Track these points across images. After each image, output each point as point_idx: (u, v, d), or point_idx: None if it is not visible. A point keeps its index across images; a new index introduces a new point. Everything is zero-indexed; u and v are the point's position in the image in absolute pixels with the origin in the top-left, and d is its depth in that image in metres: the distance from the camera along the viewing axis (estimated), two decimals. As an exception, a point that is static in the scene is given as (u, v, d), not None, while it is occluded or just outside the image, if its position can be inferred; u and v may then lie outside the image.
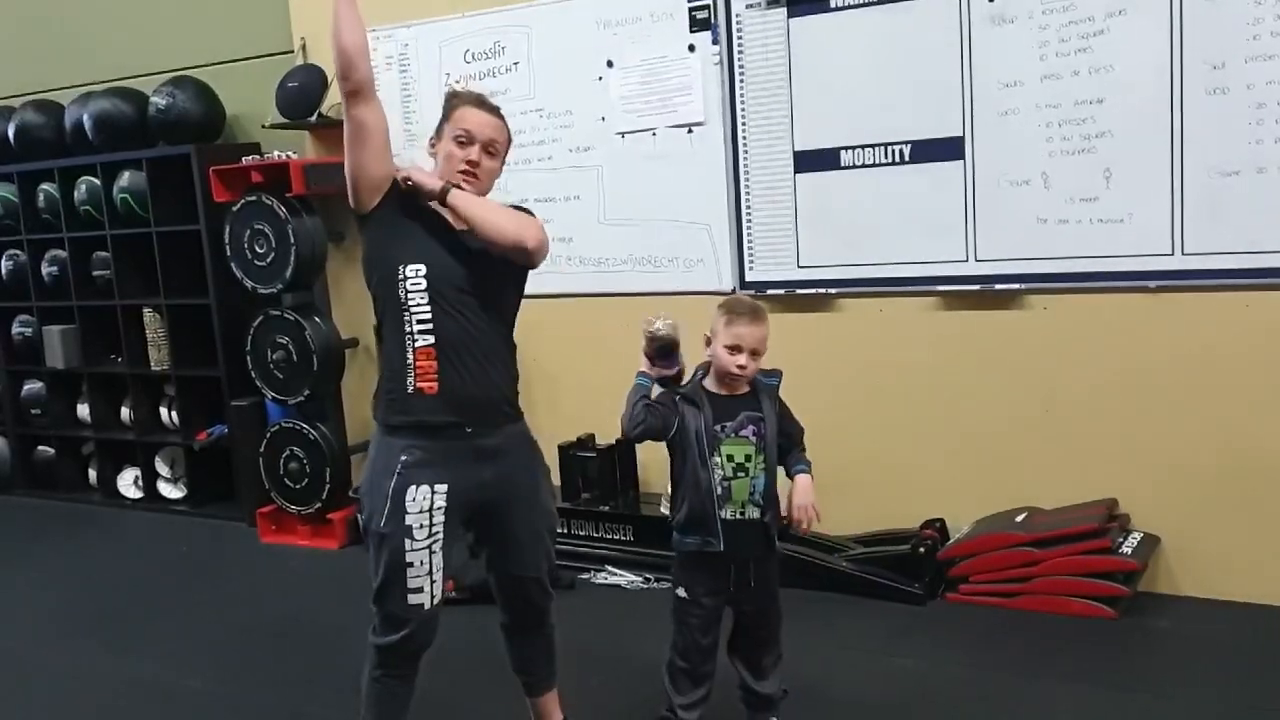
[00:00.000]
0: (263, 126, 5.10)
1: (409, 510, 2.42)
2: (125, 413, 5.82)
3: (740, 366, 2.63)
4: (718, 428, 2.63)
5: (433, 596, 2.47)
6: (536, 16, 4.47)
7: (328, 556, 4.86)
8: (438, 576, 2.47)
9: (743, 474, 2.63)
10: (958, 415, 3.92)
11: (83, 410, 5.96)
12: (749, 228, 4.20)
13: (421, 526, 2.43)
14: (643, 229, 4.40)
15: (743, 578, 2.68)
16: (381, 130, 2.49)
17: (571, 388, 4.52)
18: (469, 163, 2.50)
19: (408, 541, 2.42)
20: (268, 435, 5.03)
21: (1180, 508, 3.62)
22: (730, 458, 2.63)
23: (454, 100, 2.60)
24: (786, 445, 2.72)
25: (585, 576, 4.19)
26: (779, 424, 2.69)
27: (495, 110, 2.60)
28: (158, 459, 5.75)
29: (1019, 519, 3.72)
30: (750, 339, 2.63)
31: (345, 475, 4.98)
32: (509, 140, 2.63)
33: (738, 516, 2.64)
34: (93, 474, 6.01)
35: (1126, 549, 3.54)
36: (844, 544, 3.99)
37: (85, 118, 5.47)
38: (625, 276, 4.46)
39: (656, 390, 2.69)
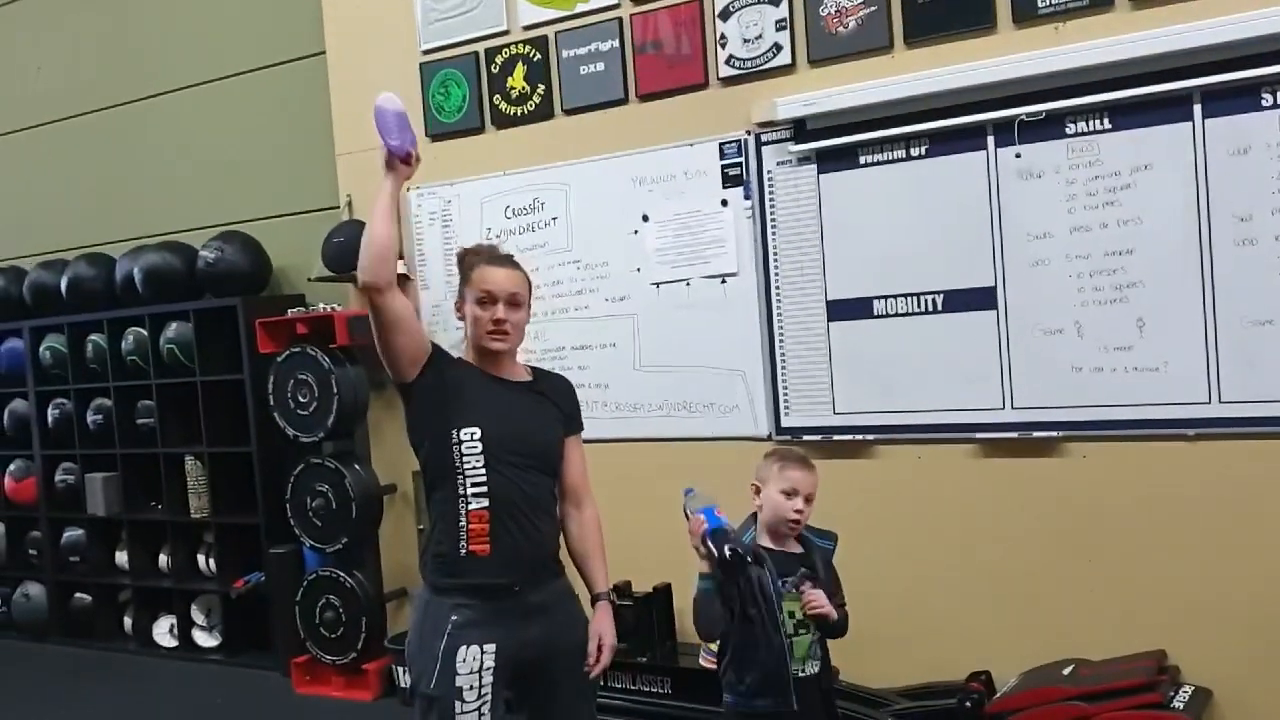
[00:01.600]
0: (308, 279, 5.24)
1: (459, 671, 2.42)
2: (163, 560, 5.85)
3: (797, 511, 2.61)
4: (780, 583, 2.58)
5: None
6: (575, 175, 4.62)
7: (361, 710, 4.79)
8: None
9: (804, 630, 2.60)
10: (1000, 564, 3.88)
11: (121, 557, 5.99)
12: (784, 374, 4.24)
13: (472, 688, 2.42)
14: (678, 375, 4.45)
15: None
16: (411, 312, 2.54)
17: (607, 533, 4.47)
18: (496, 322, 2.53)
19: (458, 704, 2.42)
20: (305, 583, 5.03)
21: (1232, 659, 3.54)
22: (791, 614, 2.58)
23: (469, 259, 2.60)
24: None
25: (623, 732, 4.12)
26: (828, 587, 2.64)
27: (511, 262, 2.61)
28: (194, 607, 5.74)
29: (1066, 672, 3.64)
30: (805, 484, 2.64)
31: (381, 624, 4.96)
32: (530, 287, 2.65)
33: (799, 673, 2.58)
34: (128, 622, 6.00)
35: (1178, 703, 3.43)
36: (888, 698, 3.90)
37: (136, 271, 5.64)
38: (661, 422, 4.49)
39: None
